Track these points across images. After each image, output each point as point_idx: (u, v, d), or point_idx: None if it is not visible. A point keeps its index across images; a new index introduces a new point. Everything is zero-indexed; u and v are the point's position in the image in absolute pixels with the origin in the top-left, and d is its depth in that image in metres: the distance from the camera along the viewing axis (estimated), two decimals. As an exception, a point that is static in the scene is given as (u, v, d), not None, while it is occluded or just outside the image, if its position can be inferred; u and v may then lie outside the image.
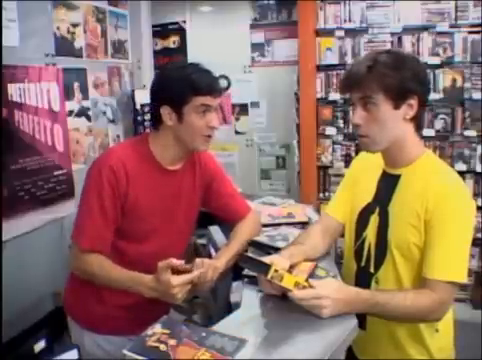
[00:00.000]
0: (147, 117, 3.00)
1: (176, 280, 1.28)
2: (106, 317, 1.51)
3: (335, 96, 3.28)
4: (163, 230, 1.53)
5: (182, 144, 1.48)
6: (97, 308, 1.51)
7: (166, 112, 1.43)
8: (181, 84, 1.40)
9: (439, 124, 3.09)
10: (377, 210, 1.37)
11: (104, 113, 2.79)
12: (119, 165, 1.41)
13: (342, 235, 1.54)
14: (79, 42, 2.53)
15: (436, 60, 3.03)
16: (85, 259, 1.43)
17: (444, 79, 3.04)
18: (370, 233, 1.38)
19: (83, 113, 2.57)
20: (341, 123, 3.33)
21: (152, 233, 1.51)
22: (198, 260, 1.40)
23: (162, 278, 1.28)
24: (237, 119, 4.11)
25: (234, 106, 4.09)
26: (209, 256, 1.80)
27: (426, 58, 3.02)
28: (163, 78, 1.49)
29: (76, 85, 2.50)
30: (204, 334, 1.08)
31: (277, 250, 1.50)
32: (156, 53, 3.80)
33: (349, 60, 3.20)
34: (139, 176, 1.45)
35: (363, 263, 1.40)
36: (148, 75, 3.23)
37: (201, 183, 1.62)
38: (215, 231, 1.95)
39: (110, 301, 1.50)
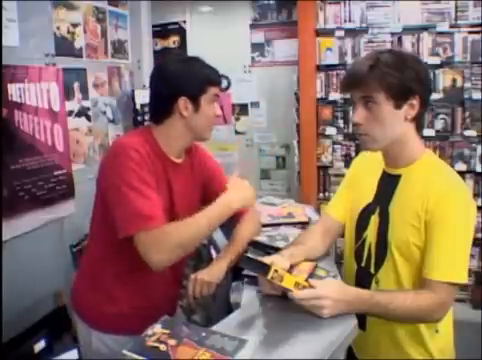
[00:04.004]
0: (147, 117, 2.99)
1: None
2: (117, 316, 1.50)
3: (335, 96, 3.28)
4: None
5: (191, 134, 1.52)
6: (108, 307, 1.50)
7: (182, 103, 1.46)
8: (199, 75, 1.49)
9: (439, 124, 3.09)
10: (377, 210, 1.37)
11: (104, 113, 2.78)
12: (139, 147, 1.39)
13: (342, 235, 1.54)
14: (79, 42, 2.53)
15: (436, 60, 3.02)
16: (163, 236, 1.32)
17: (444, 79, 3.04)
18: (370, 233, 1.38)
19: (83, 113, 2.56)
20: (341, 123, 3.32)
21: None
22: (192, 276, 1.45)
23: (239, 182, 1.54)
24: (237, 119, 4.11)
25: (234, 106, 4.09)
26: (211, 257, 1.81)
27: (426, 58, 3.01)
28: (178, 70, 1.49)
29: (76, 85, 2.50)
30: (204, 334, 1.08)
31: (277, 250, 1.50)
32: (156, 53, 3.80)
33: (349, 60, 3.20)
34: (152, 164, 1.43)
35: (363, 263, 1.40)
36: (148, 75, 3.22)
37: (200, 181, 1.63)
38: (215, 231, 1.95)
39: (121, 300, 1.49)
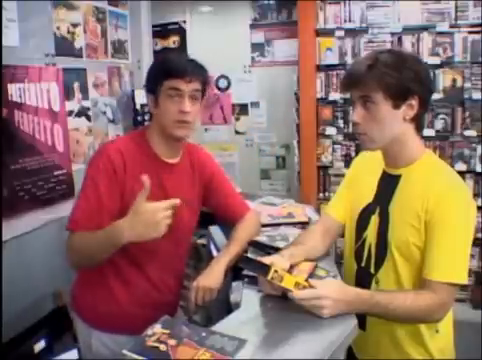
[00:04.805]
0: (147, 117, 3.00)
1: (161, 204, 1.22)
2: (117, 316, 1.50)
3: (335, 96, 3.28)
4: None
5: (163, 132, 1.49)
6: (108, 306, 1.50)
7: (150, 100, 1.49)
8: (155, 69, 1.50)
9: (439, 124, 3.09)
10: (377, 210, 1.37)
11: (104, 113, 2.78)
12: (117, 153, 1.43)
13: (342, 235, 1.54)
14: (79, 42, 2.52)
15: (436, 60, 3.02)
16: (71, 242, 1.39)
17: (444, 79, 3.04)
18: (370, 233, 1.38)
19: (83, 113, 2.56)
20: (341, 123, 3.32)
21: None
22: (194, 284, 1.45)
23: (141, 207, 1.21)
24: (237, 119, 4.12)
25: (234, 106, 4.10)
26: (211, 256, 1.80)
27: (426, 58, 3.01)
28: (148, 69, 1.57)
29: (76, 85, 2.49)
30: (204, 334, 1.08)
31: (277, 250, 1.50)
32: (156, 53, 3.80)
33: (349, 60, 3.20)
34: (137, 166, 1.44)
35: (363, 263, 1.40)
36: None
37: (200, 181, 1.62)
38: (215, 231, 1.96)
39: (121, 300, 1.49)
